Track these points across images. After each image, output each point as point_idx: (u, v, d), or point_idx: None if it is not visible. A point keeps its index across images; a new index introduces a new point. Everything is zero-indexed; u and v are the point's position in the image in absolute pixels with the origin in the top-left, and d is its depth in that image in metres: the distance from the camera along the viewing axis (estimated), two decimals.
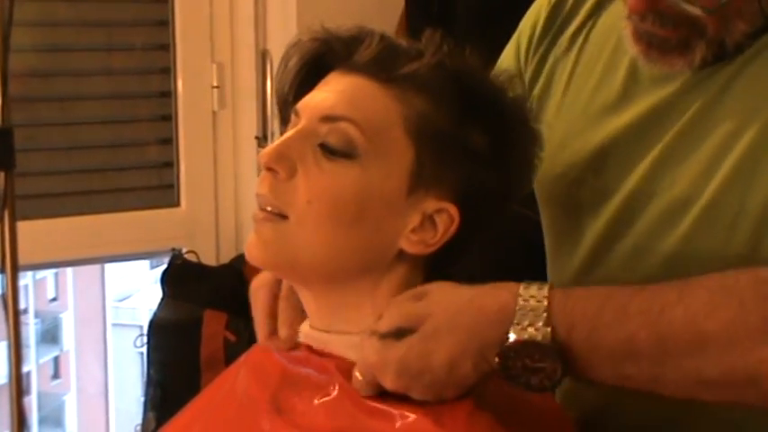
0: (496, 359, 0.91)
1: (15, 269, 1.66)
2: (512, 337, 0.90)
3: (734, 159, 1.01)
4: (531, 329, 0.90)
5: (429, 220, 0.98)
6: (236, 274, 2.07)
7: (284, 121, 1.02)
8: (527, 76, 1.26)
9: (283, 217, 0.96)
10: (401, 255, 0.98)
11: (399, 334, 0.93)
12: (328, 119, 0.96)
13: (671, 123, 1.07)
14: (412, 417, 0.92)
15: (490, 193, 1.00)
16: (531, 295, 0.92)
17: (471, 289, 0.95)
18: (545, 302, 0.91)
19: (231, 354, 1.92)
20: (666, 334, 0.89)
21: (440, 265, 1.01)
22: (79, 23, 2.17)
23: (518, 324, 0.90)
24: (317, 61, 1.02)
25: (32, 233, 1.89)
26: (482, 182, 0.98)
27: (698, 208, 1.02)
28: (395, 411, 0.93)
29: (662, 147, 1.07)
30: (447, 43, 0.99)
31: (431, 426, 0.91)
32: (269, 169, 0.96)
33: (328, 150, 0.95)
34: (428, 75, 0.97)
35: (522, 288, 0.92)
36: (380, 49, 0.98)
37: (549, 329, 0.90)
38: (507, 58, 1.30)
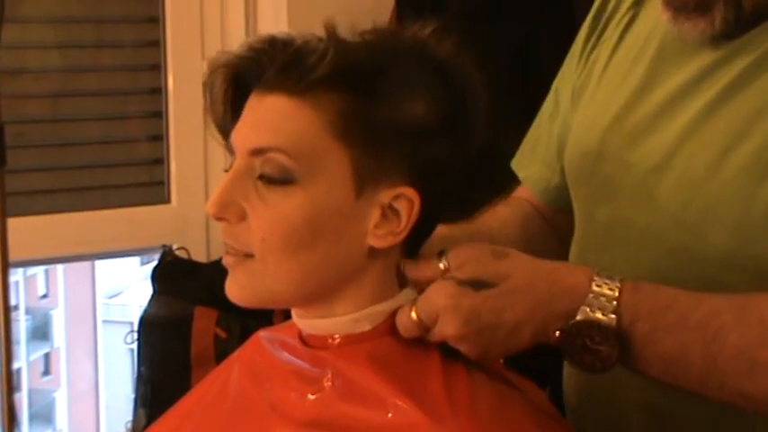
0: (557, 333, 0.96)
1: (6, 265, 1.66)
2: (579, 315, 0.96)
3: (748, 150, 1.02)
4: (599, 313, 0.96)
5: (389, 209, 0.97)
6: (226, 271, 2.07)
7: (231, 149, 1.01)
8: (580, 76, 1.29)
9: (250, 255, 0.97)
10: (373, 251, 0.98)
11: (477, 285, 0.96)
12: (257, 152, 0.96)
13: (695, 101, 1.09)
14: (404, 406, 0.93)
15: (444, 158, 0.98)
16: (605, 282, 0.97)
17: (549, 262, 1.01)
18: (616, 292, 0.96)
19: (222, 350, 1.92)
20: (719, 354, 0.95)
21: (417, 242, 1.01)
22: (69, 20, 2.16)
23: (588, 306, 0.96)
24: (238, 82, 1.00)
25: (23, 230, 1.89)
26: (430, 152, 0.97)
27: (706, 192, 1.05)
28: (389, 400, 0.93)
29: (683, 124, 1.09)
30: (333, 32, 0.96)
31: (422, 417, 0.91)
32: (218, 219, 0.97)
33: (267, 180, 0.95)
34: (334, 71, 0.94)
35: (596, 274, 0.97)
36: (284, 61, 0.95)
37: (614, 317, 0.95)
38: (567, 68, 1.34)
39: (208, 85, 1.02)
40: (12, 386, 1.70)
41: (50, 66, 2.17)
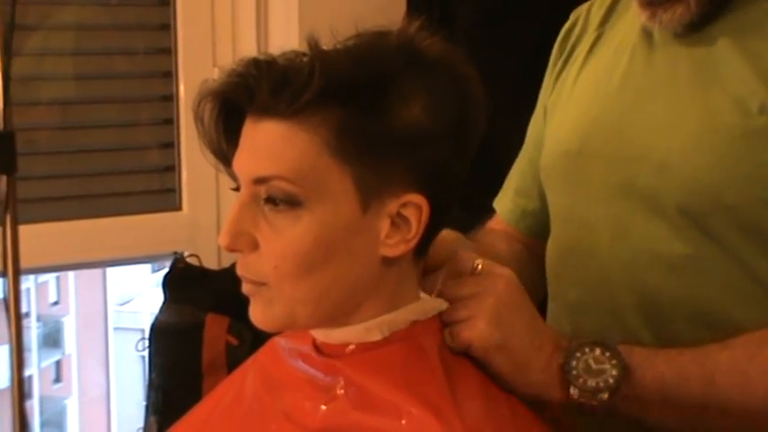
0: (561, 360, 1.01)
1: (17, 273, 1.66)
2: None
3: (723, 135, 1.07)
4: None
5: (398, 218, 0.96)
6: (237, 278, 2.06)
7: (233, 176, 1.01)
8: (551, 95, 1.34)
9: (264, 284, 0.97)
10: (386, 260, 0.98)
11: None
12: (260, 181, 0.96)
13: (669, 95, 1.13)
14: (417, 413, 0.92)
15: (446, 160, 0.97)
16: None
17: None
18: None
19: (233, 358, 1.92)
20: (715, 371, 1.01)
21: (426, 244, 1.01)
22: (81, 27, 2.17)
23: None
24: (228, 108, 0.99)
25: (34, 237, 1.89)
26: (431, 155, 0.96)
27: (682, 176, 1.09)
28: (402, 407, 0.93)
29: (658, 117, 1.13)
30: (316, 48, 0.95)
31: (435, 424, 0.91)
32: (232, 250, 0.97)
33: (274, 201, 0.95)
34: (323, 89, 0.92)
35: None
36: (273, 84, 0.93)
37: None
38: (542, 94, 1.39)
39: (198, 116, 1.00)
40: (23, 393, 1.70)
41: (61, 73, 2.17)
